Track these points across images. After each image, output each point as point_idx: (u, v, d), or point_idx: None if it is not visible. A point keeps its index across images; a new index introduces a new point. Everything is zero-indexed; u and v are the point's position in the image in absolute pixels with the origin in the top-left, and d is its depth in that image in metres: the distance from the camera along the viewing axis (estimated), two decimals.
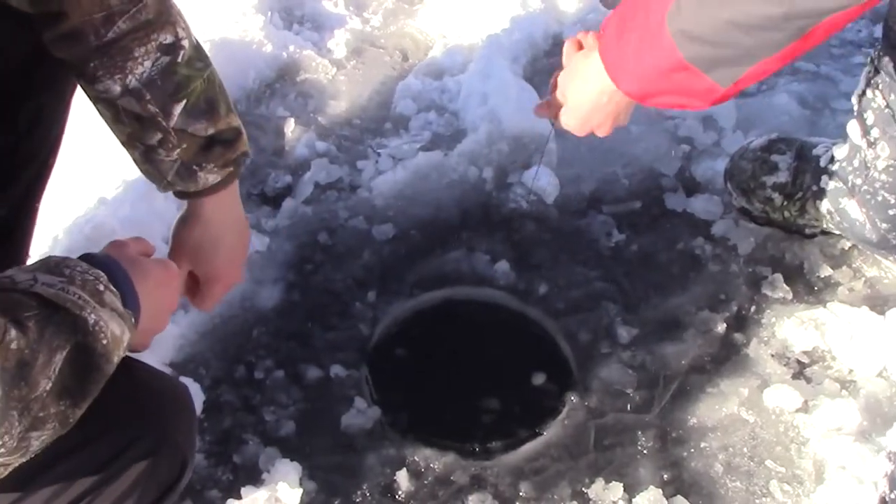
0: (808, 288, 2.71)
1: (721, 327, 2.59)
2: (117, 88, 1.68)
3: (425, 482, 2.27)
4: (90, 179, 2.72)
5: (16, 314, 1.16)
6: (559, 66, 2.07)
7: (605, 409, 2.42)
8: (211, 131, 1.75)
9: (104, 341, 1.27)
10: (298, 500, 2.13)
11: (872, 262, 2.75)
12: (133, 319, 1.37)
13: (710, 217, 2.89)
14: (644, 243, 2.84)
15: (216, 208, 1.84)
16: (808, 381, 2.48)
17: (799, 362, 2.52)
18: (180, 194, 1.80)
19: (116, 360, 1.31)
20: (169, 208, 2.73)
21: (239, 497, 2.13)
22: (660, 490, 2.21)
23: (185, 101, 1.72)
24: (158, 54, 1.67)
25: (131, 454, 1.53)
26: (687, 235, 2.85)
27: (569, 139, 2.77)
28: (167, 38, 1.68)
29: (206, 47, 1.83)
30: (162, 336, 2.37)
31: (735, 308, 2.65)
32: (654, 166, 3.07)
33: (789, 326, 2.56)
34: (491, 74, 3.16)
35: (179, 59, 1.70)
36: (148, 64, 1.67)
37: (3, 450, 1.15)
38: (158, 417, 1.62)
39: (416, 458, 2.31)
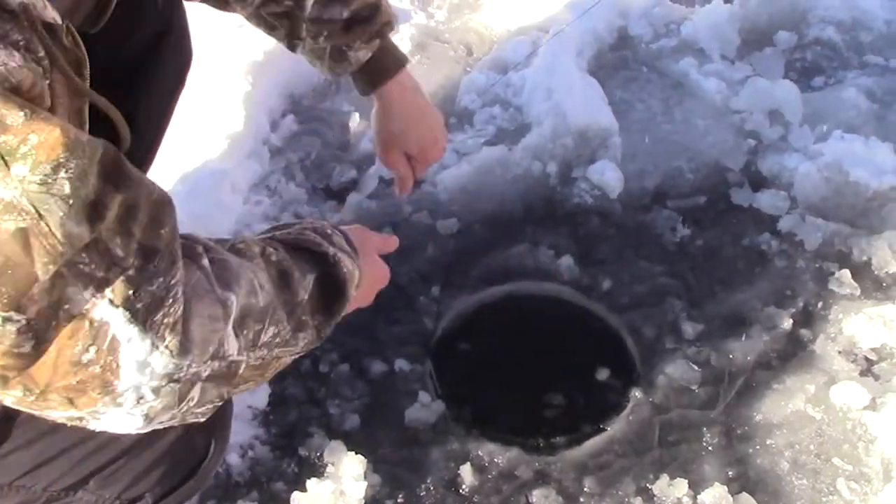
0: (876, 284, 2.68)
1: (787, 323, 2.56)
2: None
3: (489, 477, 2.27)
4: (157, 175, 2.75)
5: (264, 246, 1.32)
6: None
7: (669, 405, 2.42)
8: (345, 14, 1.82)
9: (343, 270, 1.40)
10: (363, 493, 2.15)
11: None
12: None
13: (776, 212, 2.87)
14: (709, 238, 2.82)
15: (393, 98, 2.00)
16: (876, 378, 2.45)
17: (867, 359, 2.49)
18: (361, 89, 2.00)
19: (350, 293, 1.43)
20: (235, 202, 2.76)
21: (304, 489, 2.15)
22: (725, 487, 2.20)
23: None
24: None
25: (157, 432, 1.56)
26: (753, 231, 2.83)
27: (633, 133, 2.76)
28: None
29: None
30: None
31: (801, 304, 2.62)
32: (719, 161, 3.05)
33: (857, 323, 2.53)
34: (555, 69, 3.15)
35: None
36: None
37: (278, 339, 1.28)
38: None
39: (479, 452, 2.32)
